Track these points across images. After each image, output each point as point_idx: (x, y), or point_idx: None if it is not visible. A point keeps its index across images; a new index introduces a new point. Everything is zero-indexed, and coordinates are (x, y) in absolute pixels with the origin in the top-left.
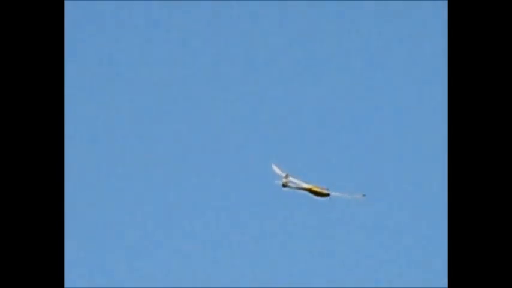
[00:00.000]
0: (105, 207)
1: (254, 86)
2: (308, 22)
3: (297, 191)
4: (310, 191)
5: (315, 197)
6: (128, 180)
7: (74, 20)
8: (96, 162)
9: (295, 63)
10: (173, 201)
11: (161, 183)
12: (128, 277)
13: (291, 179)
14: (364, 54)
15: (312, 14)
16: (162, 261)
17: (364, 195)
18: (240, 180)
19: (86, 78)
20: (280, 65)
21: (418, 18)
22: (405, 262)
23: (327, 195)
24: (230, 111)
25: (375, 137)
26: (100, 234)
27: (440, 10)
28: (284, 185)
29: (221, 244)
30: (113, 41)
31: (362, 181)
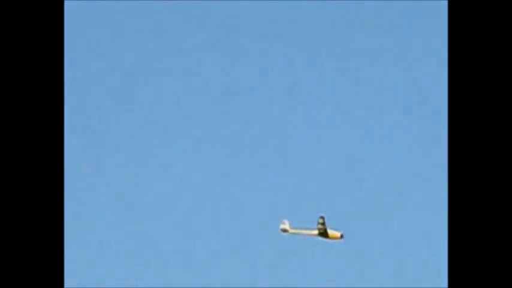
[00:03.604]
0: (104, 208)
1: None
2: (308, 22)
3: (305, 236)
4: (321, 234)
5: (327, 240)
6: (127, 181)
7: (74, 20)
8: (96, 163)
9: (293, 69)
10: (172, 202)
11: (160, 184)
12: (127, 277)
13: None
14: (363, 54)
15: (312, 14)
16: (160, 260)
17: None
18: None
19: (86, 78)
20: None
21: (418, 18)
22: (405, 262)
23: (341, 237)
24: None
25: (375, 139)
26: (100, 235)
27: (440, 10)
28: (284, 231)
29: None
30: (113, 41)
31: (365, 180)
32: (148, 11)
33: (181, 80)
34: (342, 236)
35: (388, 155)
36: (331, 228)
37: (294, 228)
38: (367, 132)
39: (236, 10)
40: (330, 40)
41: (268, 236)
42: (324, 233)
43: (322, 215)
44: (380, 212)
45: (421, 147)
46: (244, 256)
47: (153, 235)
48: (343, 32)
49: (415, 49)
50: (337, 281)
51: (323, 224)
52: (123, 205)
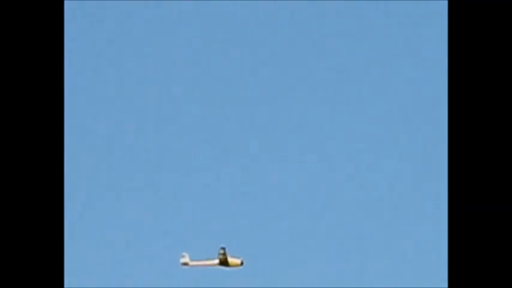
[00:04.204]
0: (104, 208)
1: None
2: (307, 22)
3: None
4: (222, 263)
5: (227, 268)
6: (127, 181)
7: (74, 20)
8: (96, 163)
9: (293, 70)
10: (171, 202)
11: (160, 184)
12: (127, 277)
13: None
14: (363, 54)
15: (311, 14)
16: (160, 260)
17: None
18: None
19: (86, 78)
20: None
21: (418, 18)
22: (405, 262)
23: (241, 264)
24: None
25: (375, 139)
26: (100, 234)
27: (440, 10)
28: (185, 264)
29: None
30: (112, 41)
31: (363, 181)
32: (148, 11)
33: (181, 80)
34: (242, 263)
35: (387, 155)
36: (231, 256)
37: (194, 260)
38: (366, 132)
39: (236, 10)
40: (329, 40)
41: (170, 271)
42: (224, 262)
43: (223, 246)
44: (380, 212)
45: (421, 147)
46: None
47: (154, 235)
48: (342, 32)
49: (415, 49)
50: None
51: (224, 254)
52: (123, 205)
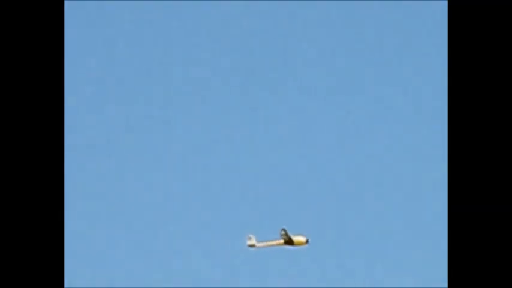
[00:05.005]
0: (104, 208)
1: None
2: (306, 22)
3: (269, 248)
4: (286, 243)
5: (292, 247)
6: (127, 181)
7: (74, 20)
8: (96, 162)
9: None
10: (172, 204)
11: (160, 185)
12: (127, 277)
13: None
14: (363, 54)
15: (312, 14)
16: (161, 261)
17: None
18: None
19: (85, 77)
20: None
21: (418, 18)
22: (405, 262)
23: (307, 242)
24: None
25: (376, 140)
26: (100, 234)
27: (440, 10)
28: (251, 246)
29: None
30: (112, 41)
31: (363, 176)
32: (148, 11)
33: (181, 80)
34: (307, 241)
35: (388, 155)
36: (295, 235)
37: (259, 241)
38: (367, 132)
39: (236, 10)
40: (330, 40)
41: (238, 252)
42: (289, 241)
43: (283, 227)
44: (380, 212)
45: (421, 147)
46: (221, 274)
47: (154, 235)
48: (343, 32)
49: (415, 49)
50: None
51: (286, 234)
52: (123, 205)
